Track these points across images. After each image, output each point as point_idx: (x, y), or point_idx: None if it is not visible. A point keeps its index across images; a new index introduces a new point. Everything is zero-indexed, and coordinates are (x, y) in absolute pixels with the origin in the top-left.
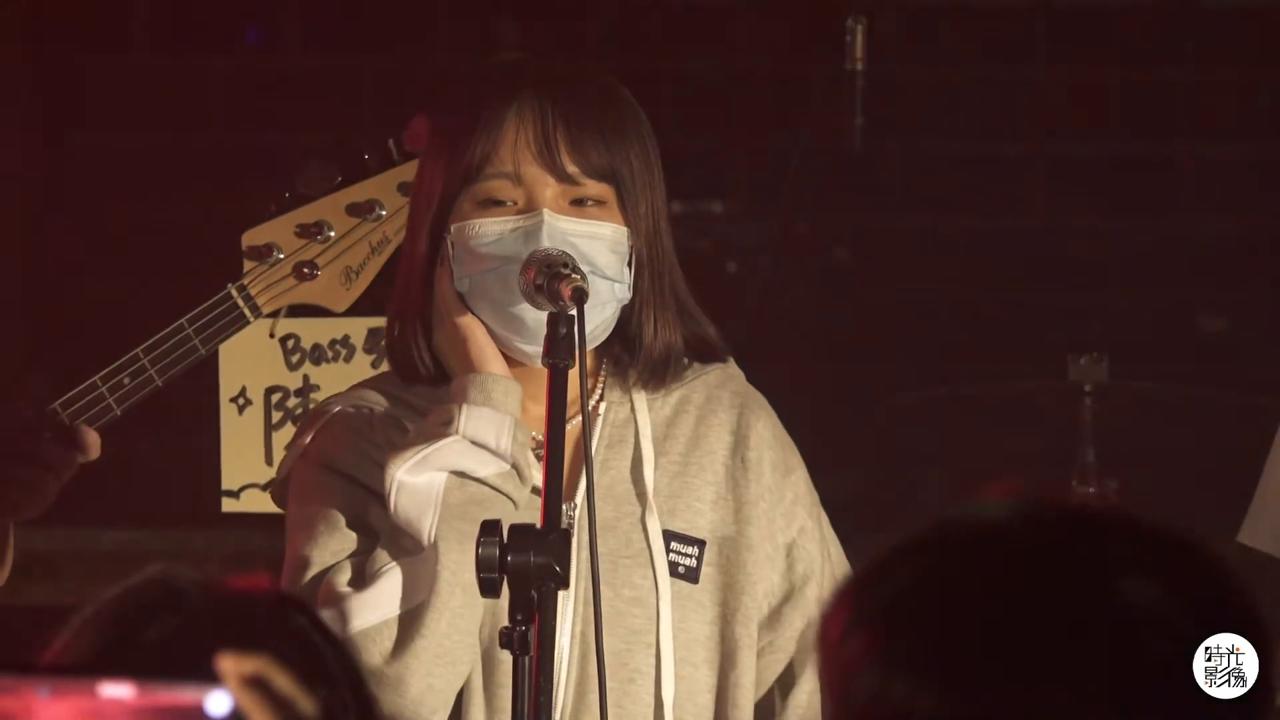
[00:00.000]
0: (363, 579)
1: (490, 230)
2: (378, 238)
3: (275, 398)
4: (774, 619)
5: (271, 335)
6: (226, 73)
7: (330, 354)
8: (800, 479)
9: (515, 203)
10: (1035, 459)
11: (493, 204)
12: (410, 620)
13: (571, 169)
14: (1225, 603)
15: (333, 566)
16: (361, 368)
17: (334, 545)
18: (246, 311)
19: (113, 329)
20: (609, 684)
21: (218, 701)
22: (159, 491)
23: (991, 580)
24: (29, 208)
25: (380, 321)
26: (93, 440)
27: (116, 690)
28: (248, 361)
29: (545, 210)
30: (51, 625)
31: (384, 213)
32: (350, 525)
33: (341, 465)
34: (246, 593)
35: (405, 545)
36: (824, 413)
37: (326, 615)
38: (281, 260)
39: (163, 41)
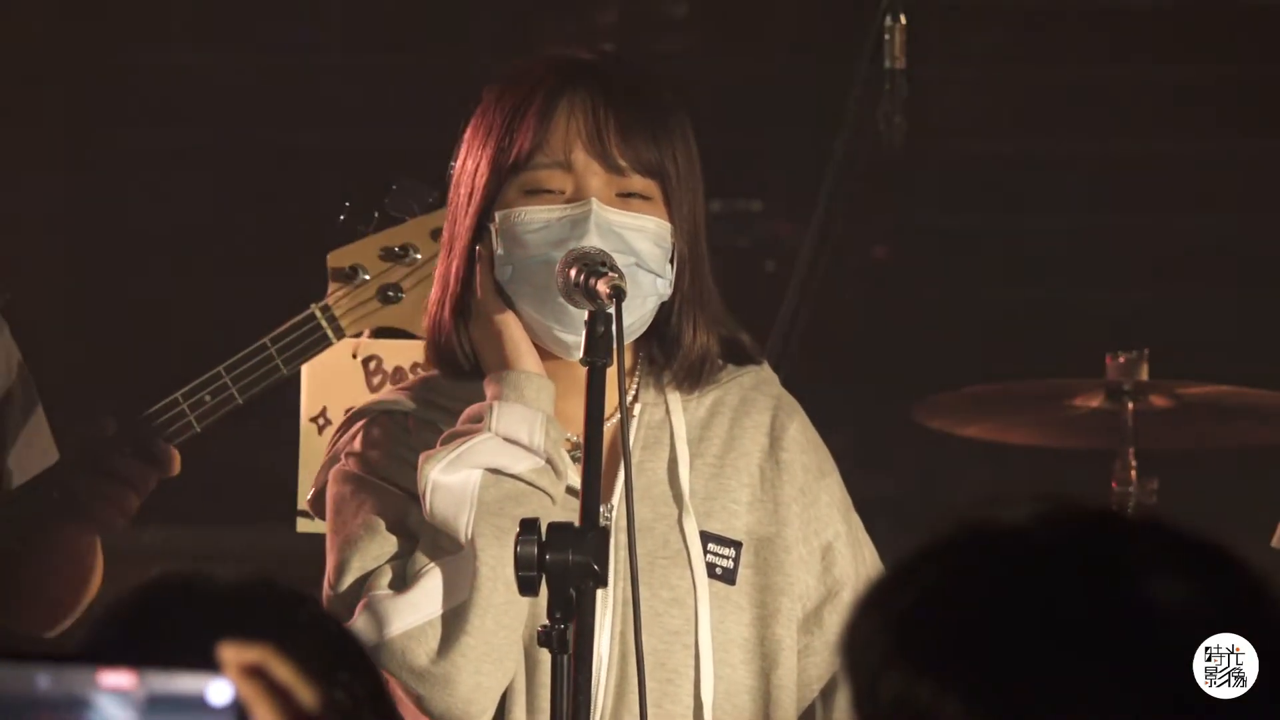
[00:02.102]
0: (404, 581)
1: (537, 218)
2: None
3: None
4: (810, 622)
5: (354, 356)
6: (267, 71)
7: (412, 376)
8: (834, 483)
9: (563, 191)
10: (1074, 458)
11: (541, 192)
12: (455, 619)
13: (621, 161)
14: (1253, 605)
15: (373, 570)
16: None
17: (374, 549)
18: (330, 332)
19: (155, 331)
20: (648, 684)
21: (218, 690)
22: (236, 510)
23: (1016, 581)
24: (70, 209)
25: None
26: (173, 456)
27: (116, 679)
28: (330, 381)
29: (593, 199)
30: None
31: None
32: (389, 529)
33: (378, 470)
34: (260, 584)
35: (443, 545)
36: (862, 412)
37: (368, 619)
38: (366, 282)
39: (206, 40)
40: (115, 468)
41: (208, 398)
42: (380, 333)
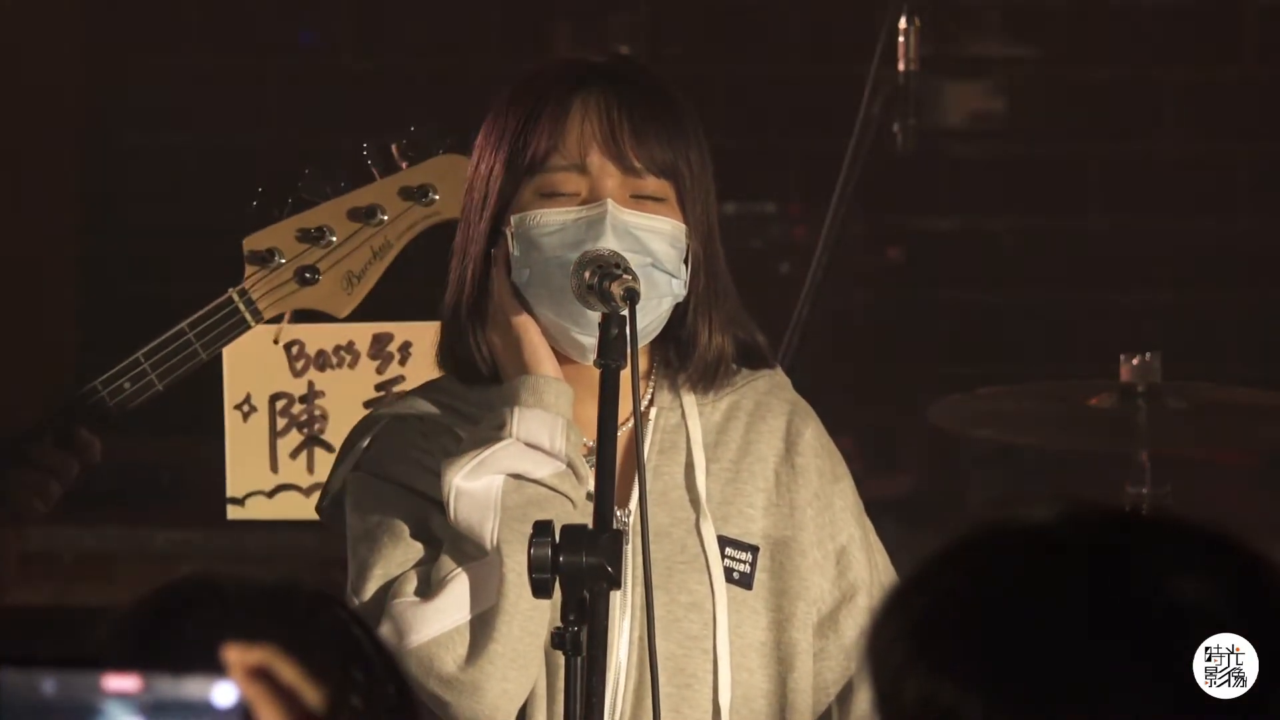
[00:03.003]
0: (429, 587)
1: (553, 220)
2: (379, 242)
3: (280, 404)
4: (825, 626)
5: (276, 341)
6: (279, 74)
7: (335, 360)
8: (847, 488)
9: (578, 194)
10: (1087, 460)
11: (556, 195)
12: (482, 625)
13: (635, 162)
14: (1277, 605)
15: (398, 577)
16: (366, 374)
17: (398, 555)
18: (248, 316)
19: (166, 330)
20: (666, 689)
21: (223, 692)
22: (167, 499)
23: (1037, 581)
24: (82, 210)
25: (385, 327)
26: (93, 444)
27: (122, 683)
28: (252, 368)
29: (609, 200)
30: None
31: (385, 218)
32: (413, 535)
33: (397, 475)
34: (282, 587)
35: (468, 551)
36: (876, 414)
37: (394, 625)
38: (283, 265)
39: (215, 43)
40: (35, 456)
41: (127, 385)
42: (300, 316)
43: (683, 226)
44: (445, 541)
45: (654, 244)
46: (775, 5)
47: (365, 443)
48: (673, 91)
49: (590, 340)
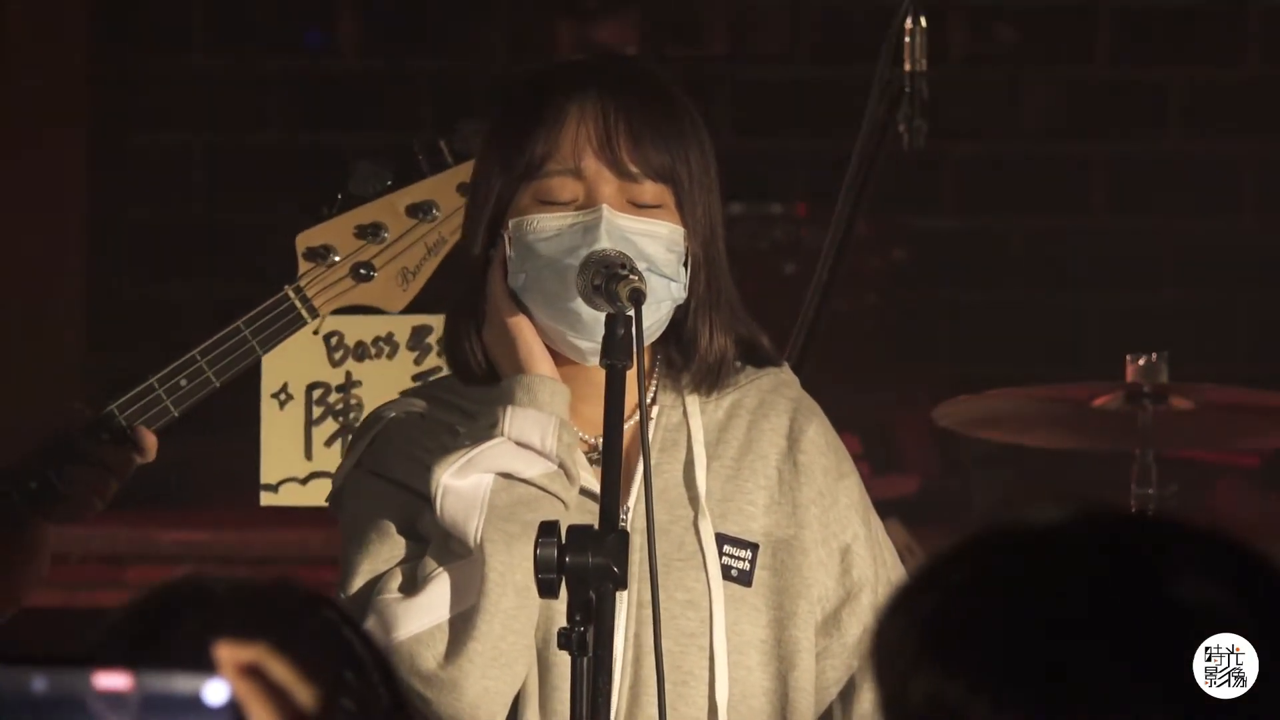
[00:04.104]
0: (413, 585)
1: (549, 225)
2: (434, 238)
3: (317, 393)
4: (829, 624)
5: (315, 332)
6: (285, 75)
7: (374, 351)
8: (853, 485)
9: (575, 199)
10: (1093, 461)
11: (552, 200)
12: (462, 624)
13: (632, 167)
14: None
15: (384, 573)
16: (404, 365)
17: (385, 552)
18: (304, 313)
19: (173, 329)
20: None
21: (214, 690)
22: (202, 487)
23: (1045, 581)
24: (90, 208)
25: (424, 319)
26: (150, 442)
27: (112, 680)
28: (291, 357)
29: (604, 205)
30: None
31: (439, 213)
32: (402, 532)
33: (393, 472)
34: (274, 588)
35: (453, 549)
36: (882, 414)
37: (378, 621)
38: (338, 262)
39: (221, 43)
40: (95, 453)
41: (184, 382)
42: (342, 308)
43: (680, 230)
44: (432, 539)
45: (650, 248)
46: (783, 5)
47: (367, 441)
48: (673, 93)
49: (587, 344)
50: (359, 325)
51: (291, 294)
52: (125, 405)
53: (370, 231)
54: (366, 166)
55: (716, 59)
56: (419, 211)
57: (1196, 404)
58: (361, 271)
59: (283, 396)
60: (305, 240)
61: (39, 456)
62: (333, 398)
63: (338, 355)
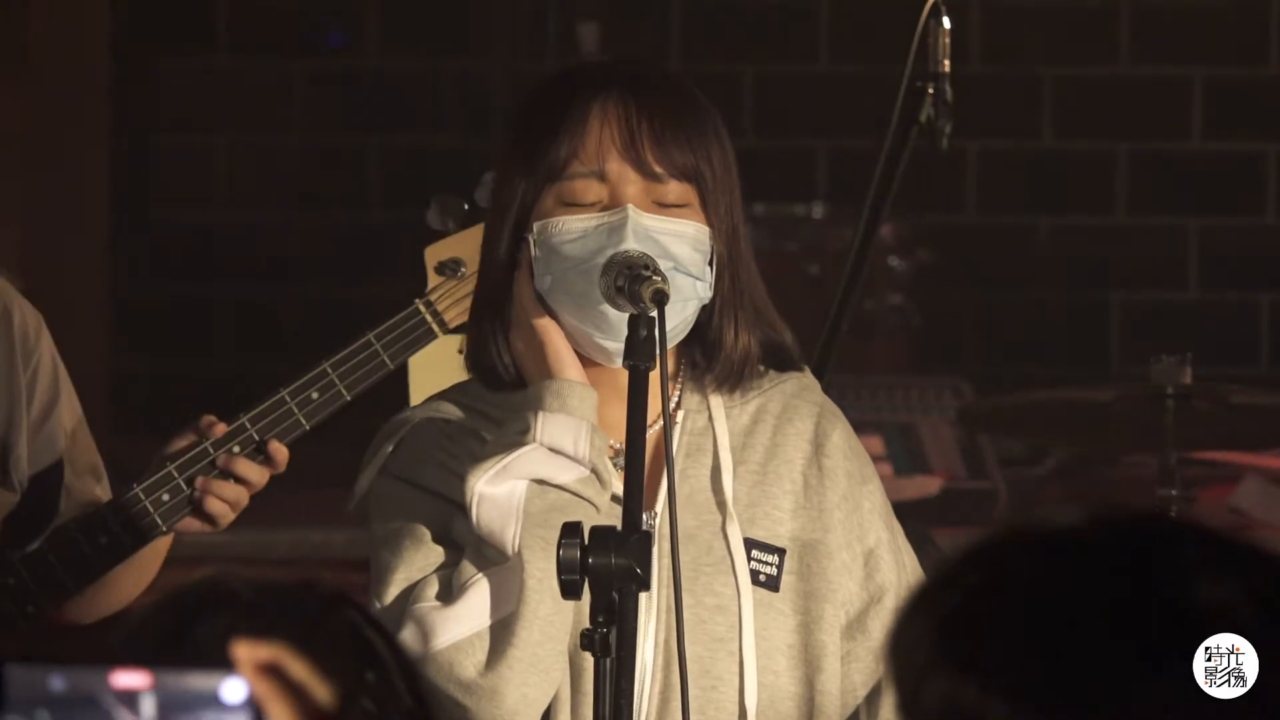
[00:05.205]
0: (450, 592)
1: (574, 227)
2: None
3: None
4: (854, 628)
5: (460, 351)
6: (307, 75)
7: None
8: (875, 489)
9: (599, 201)
10: (1117, 462)
11: (577, 202)
12: (501, 631)
13: (656, 167)
14: None
15: (419, 581)
16: None
17: (420, 560)
18: (434, 326)
19: (197, 329)
20: (692, 691)
21: (233, 689)
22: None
23: (1061, 583)
24: (112, 210)
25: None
26: (282, 454)
27: (130, 679)
28: (436, 375)
29: (630, 206)
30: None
31: None
32: (435, 539)
33: (422, 479)
34: (297, 588)
35: (490, 556)
36: (906, 415)
37: (415, 631)
38: (467, 275)
39: (244, 45)
40: (231, 467)
41: (315, 395)
42: None
43: (706, 229)
44: (467, 546)
45: (676, 248)
46: (806, 6)
47: (390, 447)
48: (693, 93)
49: (613, 345)
50: None
51: (422, 307)
52: (257, 418)
53: None
54: (491, 178)
55: (739, 59)
56: None
57: (1219, 405)
58: None
59: None
60: (435, 254)
61: (174, 468)
62: None
63: None
